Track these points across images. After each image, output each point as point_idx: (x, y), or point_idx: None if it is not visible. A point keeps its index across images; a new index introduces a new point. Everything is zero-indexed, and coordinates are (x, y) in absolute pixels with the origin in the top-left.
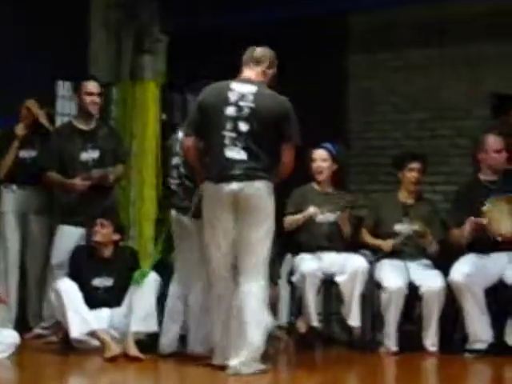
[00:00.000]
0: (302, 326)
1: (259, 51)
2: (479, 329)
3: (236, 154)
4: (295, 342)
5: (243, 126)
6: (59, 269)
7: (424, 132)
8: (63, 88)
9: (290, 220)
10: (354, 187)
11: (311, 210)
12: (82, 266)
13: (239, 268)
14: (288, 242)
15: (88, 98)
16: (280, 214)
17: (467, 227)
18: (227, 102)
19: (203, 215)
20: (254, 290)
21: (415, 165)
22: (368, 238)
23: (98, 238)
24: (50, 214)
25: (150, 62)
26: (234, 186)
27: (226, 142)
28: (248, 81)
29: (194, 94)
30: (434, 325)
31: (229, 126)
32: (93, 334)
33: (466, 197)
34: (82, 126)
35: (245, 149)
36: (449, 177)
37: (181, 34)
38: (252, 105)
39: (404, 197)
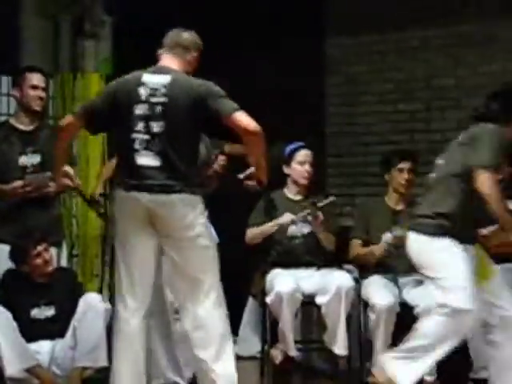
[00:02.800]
0: (277, 356)
1: (187, 36)
2: (485, 354)
3: (149, 160)
4: (269, 374)
5: (156, 127)
6: None
7: (416, 125)
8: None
9: (254, 232)
10: (332, 191)
11: (284, 217)
12: (16, 295)
13: (181, 301)
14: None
15: (32, 93)
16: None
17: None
18: (138, 100)
19: (116, 231)
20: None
21: (405, 164)
22: (361, 250)
23: (49, 268)
24: None
25: (92, 48)
26: (147, 197)
27: (137, 146)
28: (163, 70)
29: None
30: None
31: (140, 127)
32: (31, 370)
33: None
34: (22, 126)
35: (159, 154)
36: None
37: (129, 14)
38: (164, 99)
39: (393, 202)
